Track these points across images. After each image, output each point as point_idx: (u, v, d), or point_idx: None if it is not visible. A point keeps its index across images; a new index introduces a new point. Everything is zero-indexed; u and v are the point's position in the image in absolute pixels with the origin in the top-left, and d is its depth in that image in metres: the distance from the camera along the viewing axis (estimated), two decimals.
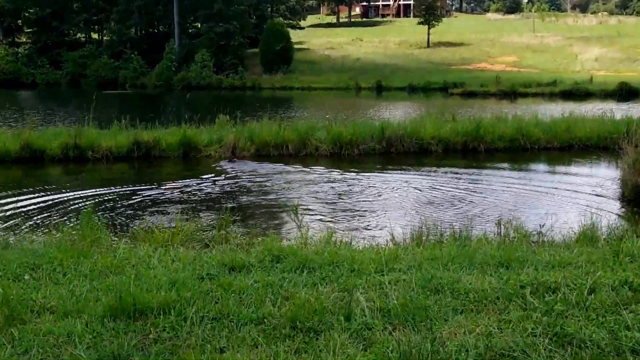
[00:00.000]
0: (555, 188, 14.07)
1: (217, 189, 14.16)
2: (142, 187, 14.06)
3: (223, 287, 5.81)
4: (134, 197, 13.11)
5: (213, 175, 15.76)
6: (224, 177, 15.43)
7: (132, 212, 11.77)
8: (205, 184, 14.59)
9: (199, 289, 5.72)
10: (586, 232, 8.34)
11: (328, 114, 27.43)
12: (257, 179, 15.23)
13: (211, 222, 10.56)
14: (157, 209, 11.97)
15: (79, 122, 20.11)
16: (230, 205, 11.84)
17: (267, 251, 6.93)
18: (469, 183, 14.68)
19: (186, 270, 6.34)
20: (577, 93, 51.01)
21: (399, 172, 16.28)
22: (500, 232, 8.61)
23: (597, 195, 13.25)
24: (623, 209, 12.13)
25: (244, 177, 15.53)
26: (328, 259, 6.68)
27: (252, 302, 5.44)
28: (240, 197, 13.36)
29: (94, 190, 13.91)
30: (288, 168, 16.93)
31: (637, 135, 12.85)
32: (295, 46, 77.82)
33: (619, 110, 28.55)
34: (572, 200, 12.86)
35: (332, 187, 14.22)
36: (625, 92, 48.47)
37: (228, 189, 14.17)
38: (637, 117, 20.11)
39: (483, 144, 19.65)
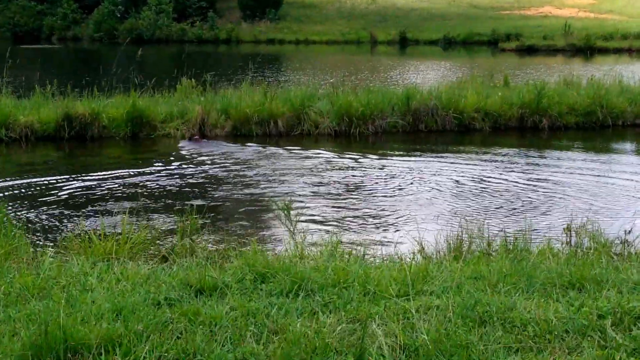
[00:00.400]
0: None
1: (178, 180, 14.17)
2: (75, 177, 14.06)
3: (188, 316, 5.81)
4: (63, 191, 13.11)
5: (171, 160, 15.78)
6: (185, 164, 15.44)
7: (61, 212, 11.77)
8: (162, 174, 14.60)
9: (155, 320, 5.72)
10: None
11: (332, 77, 27.42)
12: (233, 167, 15.24)
13: (170, 227, 10.56)
14: (95, 207, 11.98)
15: None
16: (196, 203, 11.83)
17: (248, 267, 6.93)
18: (527, 173, 14.68)
19: (137, 293, 6.34)
20: None
21: (430, 157, 16.30)
22: (570, 241, 8.61)
23: None
24: None
25: (214, 163, 15.54)
26: (332, 277, 6.68)
27: (227, 338, 5.44)
28: (211, 191, 13.36)
29: (7, 181, 13.91)
30: (277, 150, 16.95)
31: None
32: None
33: None
34: None
35: (338, 178, 14.23)
36: None
37: (193, 180, 14.18)
38: None
39: (546, 119, 19.67)
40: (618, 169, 15.12)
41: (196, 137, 18.07)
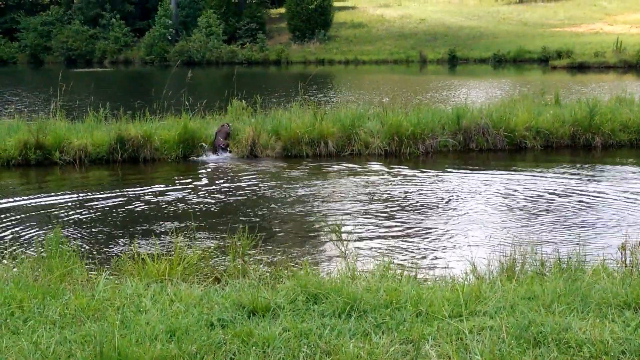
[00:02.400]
0: None
1: (229, 199, 14.25)
2: (127, 198, 14.21)
3: (241, 337, 5.84)
4: (116, 212, 13.26)
5: (221, 180, 15.88)
6: (235, 183, 15.52)
7: (114, 233, 11.90)
8: (212, 194, 14.69)
9: (208, 341, 5.76)
10: None
11: (382, 97, 27.43)
12: (283, 185, 15.29)
13: (222, 247, 10.61)
14: (148, 228, 12.08)
15: (42, 113, 20.40)
16: (247, 223, 11.87)
17: (300, 288, 6.95)
18: (580, 191, 14.54)
19: (190, 314, 6.39)
20: None
21: (481, 175, 16.21)
22: (626, 259, 8.50)
23: None
24: None
25: (263, 182, 15.61)
26: (385, 298, 6.67)
27: (280, 358, 5.46)
28: (261, 211, 13.42)
29: (61, 202, 14.09)
30: (328, 169, 16.98)
31: None
32: (336, 4, 78.19)
33: None
34: None
35: (389, 197, 14.20)
36: None
37: (243, 199, 14.25)
38: None
39: (599, 136, 19.49)
40: None
41: (222, 146, 18.58)
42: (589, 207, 13.30)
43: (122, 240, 11.44)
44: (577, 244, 9.88)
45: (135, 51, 72.18)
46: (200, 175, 16.73)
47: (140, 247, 10.34)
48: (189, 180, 16.23)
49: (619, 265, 8.36)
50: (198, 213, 13.20)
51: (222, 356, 5.52)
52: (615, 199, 13.82)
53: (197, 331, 5.94)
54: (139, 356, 5.38)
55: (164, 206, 13.83)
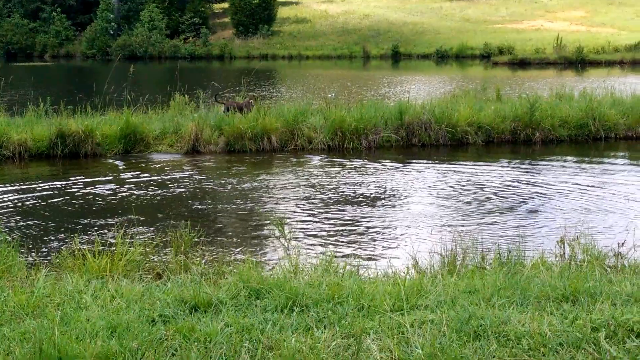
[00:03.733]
0: (638, 192, 14.10)
1: (172, 195, 14.16)
2: (67, 193, 14.06)
3: (182, 333, 5.82)
4: (56, 207, 13.11)
5: (164, 175, 15.78)
6: (178, 179, 15.44)
7: (54, 228, 11.75)
8: (155, 189, 14.58)
9: (150, 337, 5.73)
10: None
11: (326, 92, 27.46)
12: (227, 180, 15.24)
13: (164, 243, 10.54)
14: (88, 223, 11.96)
15: None
16: (190, 218, 11.80)
17: (243, 283, 6.94)
18: (520, 186, 14.70)
19: (131, 310, 6.35)
20: None
21: (423, 170, 16.30)
22: (564, 253, 8.62)
23: None
24: None
25: (208, 177, 15.54)
26: (327, 292, 6.69)
27: (222, 354, 5.45)
28: (204, 206, 13.37)
29: (0, 196, 13.91)
30: (271, 163, 16.96)
31: None
32: None
33: None
34: None
35: (331, 192, 14.23)
36: None
37: (186, 195, 14.18)
38: None
39: (539, 132, 19.73)
40: (610, 181, 15.14)
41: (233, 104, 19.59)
42: (530, 200, 13.46)
43: (62, 236, 11.30)
44: (518, 237, 10.01)
45: (77, 45, 71.38)
46: (142, 171, 16.58)
47: (81, 242, 10.23)
48: (131, 175, 16.09)
49: (557, 258, 8.48)
50: (140, 208, 13.09)
51: (163, 352, 5.49)
52: (555, 194, 14.00)
53: (139, 327, 5.90)
54: (79, 353, 5.33)
55: (105, 201, 13.70)
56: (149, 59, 65.94)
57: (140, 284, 7.29)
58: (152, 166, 17.15)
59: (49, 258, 9.68)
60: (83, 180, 15.44)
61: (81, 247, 9.11)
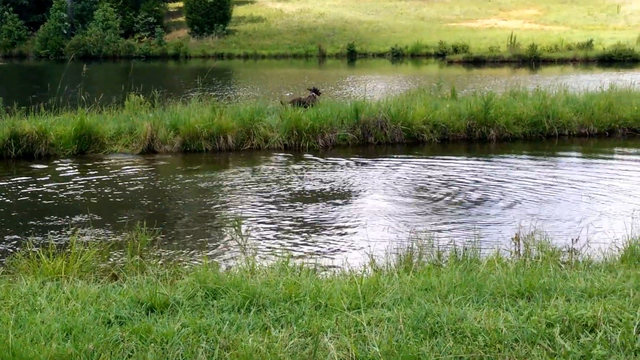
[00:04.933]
0: (593, 188, 14.27)
1: (128, 195, 14.07)
2: (22, 194, 13.92)
3: (139, 334, 5.78)
4: (10, 208, 12.98)
5: (120, 176, 15.68)
6: (134, 180, 15.34)
7: (8, 230, 11.63)
8: (111, 190, 14.48)
9: (106, 338, 5.69)
10: (634, 249, 8.47)
11: (282, 91, 27.45)
12: (184, 180, 15.17)
13: (120, 244, 10.47)
14: (44, 223, 11.85)
15: None
16: (146, 219, 11.72)
17: (199, 283, 6.92)
18: (476, 183, 14.80)
19: (87, 312, 6.30)
20: (620, 58, 51.87)
21: (380, 167, 16.35)
22: (519, 250, 8.69)
23: None
24: None
25: (165, 178, 15.47)
26: (284, 292, 6.69)
27: (179, 355, 5.43)
28: (161, 207, 13.30)
29: None
30: (227, 162, 16.91)
31: None
32: None
33: None
34: (616, 205, 13.05)
35: (289, 191, 14.23)
36: None
37: (143, 195, 14.09)
38: None
39: (494, 129, 19.87)
40: (564, 178, 15.29)
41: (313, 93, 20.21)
42: (485, 197, 13.56)
43: (16, 237, 11.18)
44: (473, 234, 10.07)
45: (30, 45, 70.52)
46: (97, 171, 16.44)
47: (35, 244, 10.13)
48: (86, 176, 15.96)
49: (512, 255, 8.56)
50: (95, 209, 13.00)
51: (119, 354, 5.46)
52: (510, 191, 14.10)
53: (94, 329, 5.86)
54: (34, 356, 5.28)
55: (59, 202, 13.58)
56: (103, 59, 65.42)
57: (95, 286, 7.23)
58: (107, 166, 17.01)
59: (2, 260, 9.58)
60: (37, 181, 15.29)
61: (35, 248, 9.04)
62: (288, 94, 24.19)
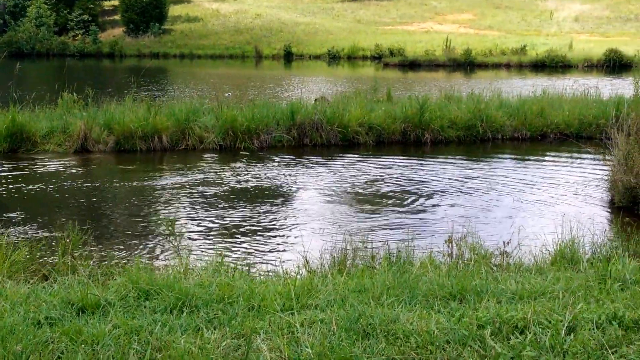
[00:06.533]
0: (524, 192, 14.45)
1: (60, 195, 13.90)
2: None
3: (69, 335, 5.71)
4: None
5: (51, 176, 15.48)
6: (66, 179, 15.16)
7: None
8: (42, 189, 14.29)
9: (35, 340, 5.60)
10: (564, 251, 8.60)
11: (217, 91, 27.35)
12: (116, 181, 15.04)
13: (51, 243, 10.35)
14: None
15: None
16: (78, 219, 11.62)
17: (132, 284, 6.86)
18: (409, 185, 14.90)
19: (16, 313, 6.20)
20: (553, 64, 52.69)
21: (315, 168, 16.39)
22: (452, 252, 8.77)
23: (578, 201, 13.69)
24: (611, 220, 12.56)
25: (96, 178, 15.31)
26: (217, 293, 6.67)
27: (110, 357, 5.37)
28: (93, 207, 13.16)
29: None
30: (162, 162, 16.80)
31: (631, 120, 13.23)
32: None
33: (606, 87, 29.58)
34: (546, 208, 13.24)
35: (223, 192, 14.19)
36: (614, 63, 50.42)
37: (75, 195, 13.93)
38: (629, 96, 20.85)
39: (429, 132, 20.03)
40: (497, 181, 15.47)
41: None
42: (419, 199, 13.66)
43: None
44: (407, 236, 10.14)
45: None
46: (29, 170, 16.21)
47: None
48: (17, 174, 15.72)
49: (445, 257, 8.63)
50: (25, 208, 12.82)
51: (49, 355, 5.38)
52: (443, 193, 14.23)
53: (23, 330, 5.77)
54: None
55: None
56: (36, 56, 64.56)
57: (25, 286, 7.13)
58: (38, 165, 16.76)
59: None
60: None
61: None
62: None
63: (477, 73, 49.91)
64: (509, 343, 5.54)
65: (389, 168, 16.75)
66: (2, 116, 18.79)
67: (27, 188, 14.46)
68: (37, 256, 9.50)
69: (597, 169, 16.14)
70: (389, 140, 19.95)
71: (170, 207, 13.13)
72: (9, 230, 10.75)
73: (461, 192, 14.39)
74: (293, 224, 12.03)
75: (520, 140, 20.61)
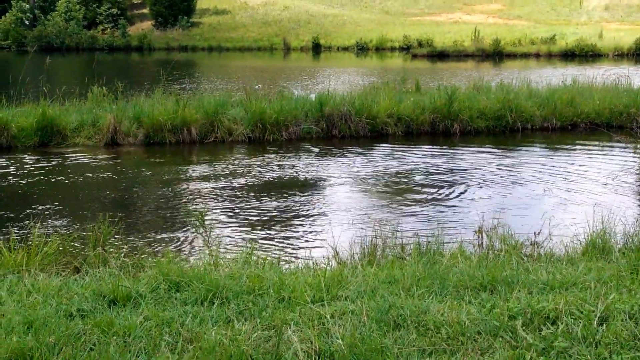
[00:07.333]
0: (555, 182, 14.36)
1: (92, 188, 13.97)
2: None
3: (101, 327, 5.74)
4: None
5: (83, 169, 15.56)
6: (97, 172, 15.24)
7: None
8: (74, 182, 14.38)
9: (67, 332, 5.64)
10: (595, 242, 8.53)
11: (246, 84, 27.38)
12: (147, 173, 15.09)
13: (83, 236, 10.40)
14: (4, 215, 11.73)
15: None
16: (107, 211, 11.66)
17: (162, 276, 6.88)
18: (440, 176, 14.85)
19: (48, 305, 6.24)
20: (583, 53, 52.32)
21: (344, 159, 16.36)
22: (482, 243, 8.74)
23: (609, 190, 13.59)
24: None
25: (127, 170, 15.37)
26: (247, 285, 6.67)
27: (142, 348, 5.39)
28: (124, 199, 13.22)
29: None
30: (191, 154, 16.84)
31: None
32: None
33: (637, 76, 29.30)
34: (577, 198, 13.15)
35: (252, 184, 14.20)
36: None
37: (107, 187, 14.00)
38: None
39: (458, 123, 19.95)
40: (527, 171, 15.38)
41: None
42: (449, 190, 13.61)
43: None
44: (437, 227, 10.11)
45: None
46: (60, 163, 16.30)
47: None
48: (48, 168, 15.81)
49: (475, 248, 8.60)
50: (57, 201, 12.89)
51: (81, 347, 5.41)
52: (473, 185, 14.17)
53: (56, 322, 5.80)
54: None
55: (21, 194, 13.45)
56: (66, 51, 64.91)
57: (57, 279, 7.17)
58: (69, 159, 16.87)
59: None
60: None
61: None
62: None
63: (506, 63, 49.62)
64: (540, 334, 5.50)
65: (418, 159, 16.70)
66: (33, 110, 18.90)
67: (58, 181, 14.55)
68: (69, 249, 9.55)
69: (628, 158, 16.02)
70: (418, 131, 19.89)
71: (199, 199, 13.16)
72: (40, 222, 10.80)
73: (491, 182, 14.33)
74: (322, 215, 12.02)
75: (550, 130, 20.48)
